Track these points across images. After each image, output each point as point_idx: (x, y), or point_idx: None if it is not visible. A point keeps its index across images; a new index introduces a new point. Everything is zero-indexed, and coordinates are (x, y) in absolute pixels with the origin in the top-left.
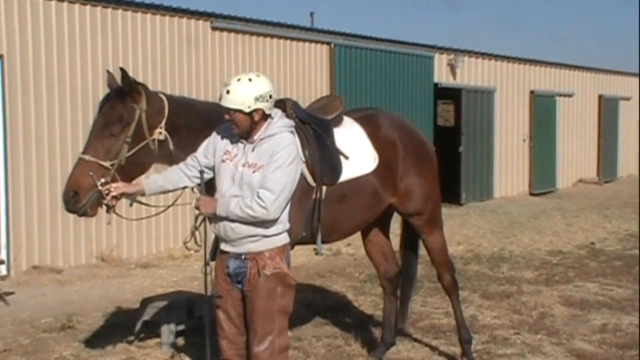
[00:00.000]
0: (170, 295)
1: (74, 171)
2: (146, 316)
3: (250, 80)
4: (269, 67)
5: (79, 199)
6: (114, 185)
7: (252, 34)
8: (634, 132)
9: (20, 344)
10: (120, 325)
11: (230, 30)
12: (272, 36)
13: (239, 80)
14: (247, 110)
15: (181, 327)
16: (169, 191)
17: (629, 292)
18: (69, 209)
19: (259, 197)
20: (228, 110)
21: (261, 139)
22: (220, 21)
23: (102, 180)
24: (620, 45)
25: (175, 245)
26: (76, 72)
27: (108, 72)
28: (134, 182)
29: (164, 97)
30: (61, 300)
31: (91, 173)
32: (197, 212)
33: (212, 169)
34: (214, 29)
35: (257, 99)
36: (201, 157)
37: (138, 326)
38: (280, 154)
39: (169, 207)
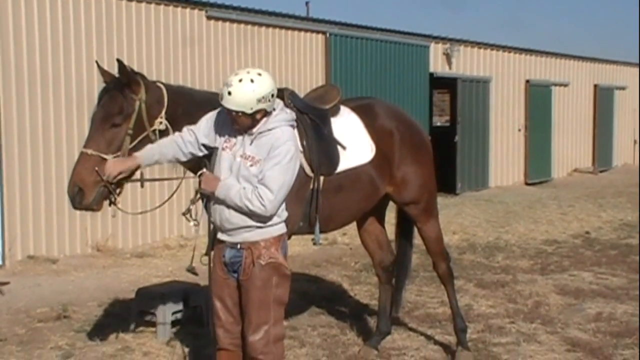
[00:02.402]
0: (165, 285)
1: (76, 166)
2: (142, 306)
3: (252, 81)
4: (264, 56)
5: (84, 196)
6: (106, 167)
7: (247, 23)
8: (629, 121)
9: (16, 334)
10: (115, 315)
11: (225, 20)
12: (268, 25)
13: (240, 80)
14: (249, 112)
15: (177, 317)
16: (171, 158)
17: (623, 281)
18: (76, 207)
19: (259, 194)
20: (229, 110)
21: (260, 133)
22: (215, 10)
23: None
24: (615, 35)
25: (170, 235)
26: (70, 62)
27: (97, 62)
28: (123, 159)
29: (162, 87)
30: (56, 290)
31: (96, 168)
32: (197, 187)
33: (210, 149)
34: (208, 18)
35: (259, 100)
36: (201, 135)
37: (134, 316)
38: (279, 149)
39: (166, 201)
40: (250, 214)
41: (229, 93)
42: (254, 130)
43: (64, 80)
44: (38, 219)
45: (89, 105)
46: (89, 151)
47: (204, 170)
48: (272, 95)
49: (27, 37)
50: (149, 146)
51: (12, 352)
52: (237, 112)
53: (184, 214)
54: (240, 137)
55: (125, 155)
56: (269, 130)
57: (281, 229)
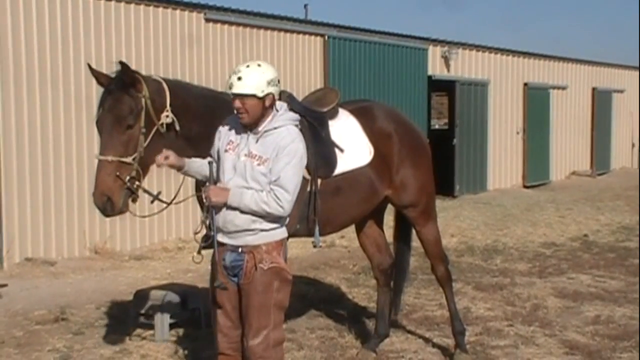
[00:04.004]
0: (164, 287)
1: (100, 175)
2: (140, 308)
3: (259, 65)
4: (263, 59)
5: (114, 205)
6: (165, 153)
7: (245, 25)
8: (627, 124)
9: (14, 336)
10: (113, 318)
11: (223, 22)
12: (266, 28)
13: (248, 66)
14: (260, 94)
15: (175, 319)
16: (202, 176)
17: (621, 284)
18: (108, 215)
19: (275, 195)
20: (241, 96)
21: (266, 131)
22: (214, 13)
23: (129, 176)
24: (614, 38)
25: (168, 237)
26: (69, 64)
27: (89, 65)
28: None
29: (160, 79)
30: (54, 292)
31: (118, 173)
32: (206, 202)
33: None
34: (207, 20)
35: (268, 83)
36: (213, 151)
37: (132, 318)
38: (288, 148)
39: (170, 203)
40: (259, 216)
41: (239, 78)
42: (260, 128)
43: (62, 82)
44: (36, 221)
45: (87, 107)
46: (109, 158)
47: (207, 184)
48: (278, 81)
49: (25, 39)
50: (193, 159)
51: (9, 355)
52: (248, 96)
53: (195, 234)
54: (243, 137)
55: (142, 154)
56: (275, 128)
57: (283, 233)
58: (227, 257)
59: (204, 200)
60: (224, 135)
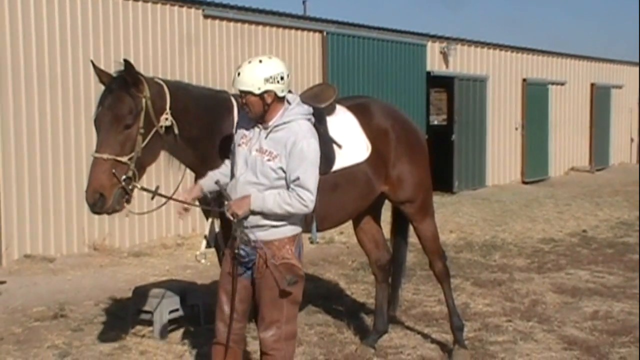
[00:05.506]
0: (162, 284)
1: (94, 172)
2: (139, 305)
3: (260, 61)
4: (261, 55)
5: (105, 201)
6: (180, 198)
7: (244, 22)
8: (625, 120)
9: (13, 333)
10: (112, 314)
11: (222, 19)
12: (265, 24)
13: (250, 62)
14: (257, 91)
15: (174, 316)
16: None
17: (620, 279)
18: (97, 212)
19: (298, 195)
20: (240, 92)
21: (276, 126)
22: (213, 9)
23: (124, 176)
24: (613, 34)
25: (167, 234)
26: (67, 62)
27: (92, 62)
28: (188, 188)
29: (161, 82)
30: (53, 289)
31: (114, 171)
32: (233, 219)
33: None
34: (205, 17)
35: (267, 80)
36: (233, 146)
37: (130, 315)
38: (301, 145)
39: (168, 199)
40: (284, 216)
41: (239, 74)
42: (270, 123)
43: (61, 79)
44: (35, 218)
45: (85, 104)
46: (105, 156)
47: (226, 203)
48: (282, 78)
49: (24, 37)
50: (208, 174)
51: (8, 352)
52: (246, 92)
53: (231, 247)
54: (256, 131)
55: (139, 154)
56: (285, 123)
57: (295, 229)
58: (241, 251)
59: (231, 218)
60: (239, 129)
